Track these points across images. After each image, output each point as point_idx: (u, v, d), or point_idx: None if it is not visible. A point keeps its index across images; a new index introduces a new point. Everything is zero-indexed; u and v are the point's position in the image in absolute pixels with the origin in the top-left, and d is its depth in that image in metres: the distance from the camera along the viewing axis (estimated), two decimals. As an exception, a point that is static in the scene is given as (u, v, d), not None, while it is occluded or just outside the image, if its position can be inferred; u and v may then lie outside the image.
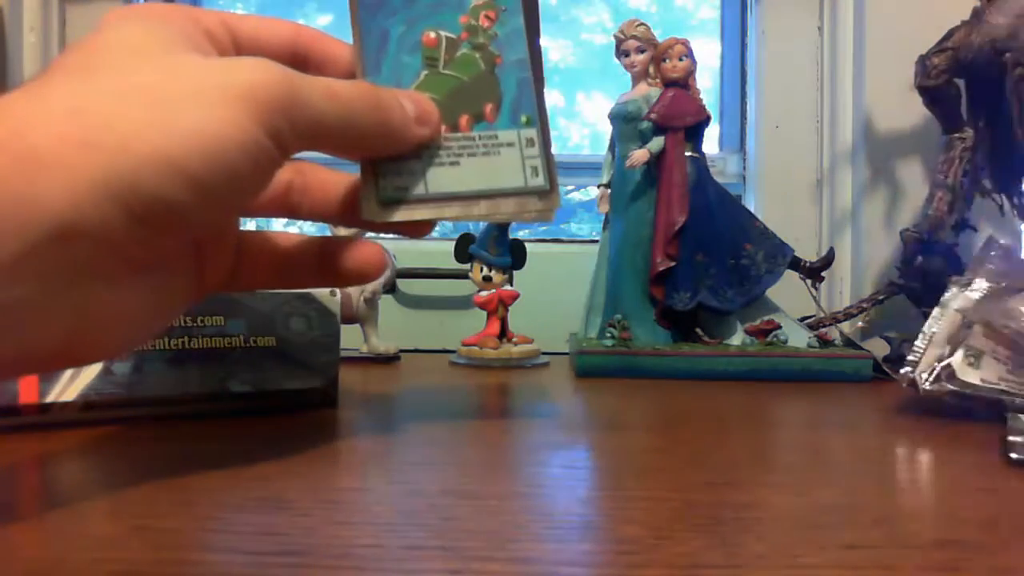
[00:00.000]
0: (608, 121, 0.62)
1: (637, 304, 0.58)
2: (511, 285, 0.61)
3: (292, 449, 0.27)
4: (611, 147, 0.62)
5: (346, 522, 0.19)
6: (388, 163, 0.27)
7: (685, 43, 0.59)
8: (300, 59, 0.27)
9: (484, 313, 0.60)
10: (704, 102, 0.59)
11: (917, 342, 0.38)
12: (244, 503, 0.21)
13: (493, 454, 0.28)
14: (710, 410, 0.39)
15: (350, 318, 0.59)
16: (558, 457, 0.27)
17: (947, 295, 0.39)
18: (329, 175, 0.29)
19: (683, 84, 0.59)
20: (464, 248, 0.61)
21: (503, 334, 0.60)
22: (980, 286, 0.39)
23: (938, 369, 0.37)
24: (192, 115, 0.20)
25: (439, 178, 0.28)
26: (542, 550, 0.18)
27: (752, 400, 0.43)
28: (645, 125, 0.59)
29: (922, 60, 0.59)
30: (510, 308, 0.60)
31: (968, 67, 0.58)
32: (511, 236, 0.61)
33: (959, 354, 0.37)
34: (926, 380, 0.37)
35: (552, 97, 1.05)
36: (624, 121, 0.60)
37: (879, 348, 0.64)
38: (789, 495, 0.23)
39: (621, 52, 0.61)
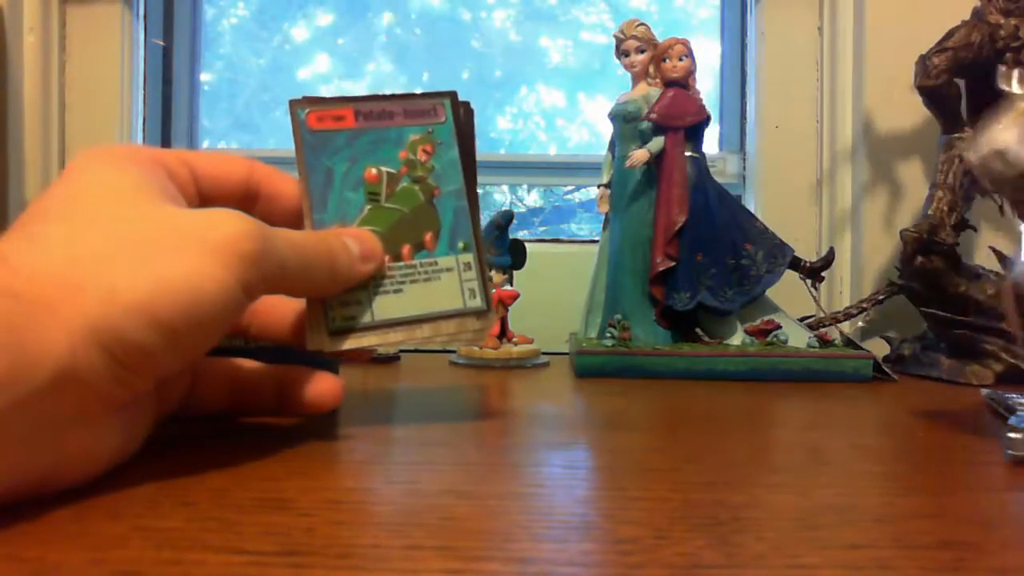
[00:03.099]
0: (608, 121, 0.62)
1: (637, 304, 0.58)
2: (511, 285, 0.61)
3: (292, 449, 0.27)
4: (611, 147, 0.62)
5: (346, 522, 0.19)
6: (337, 295, 0.29)
7: (685, 43, 0.59)
8: (252, 194, 0.29)
9: (484, 313, 0.60)
10: (704, 102, 0.59)
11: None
12: (244, 503, 0.21)
13: (493, 454, 0.28)
14: (710, 410, 0.39)
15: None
16: (558, 457, 0.27)
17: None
18: (278, 300, 0.31)
19: (683, 84, 0.59)
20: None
21: (503, 334, 0.60)
22: None
23: None
24: (175, 268, 0.21)
25: (384, 306, 0.29)
26: (542, 550, 0.18)
27: (752, 400, 0.43)
28: (645, 125, 0.59)
29: (922, 60, 0.59)
30: (510, 308, 0.60)
31: (968, 67, 0.58)
32: (511, 236, 0.61)
33: None
34: None
35: (552, 97, 1.05)
36: (624, 121, 0.60)
37: (879, 348, 0.64)
38: (789, 495, 0.23)
39: (621, 52, 0.61)
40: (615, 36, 0.61)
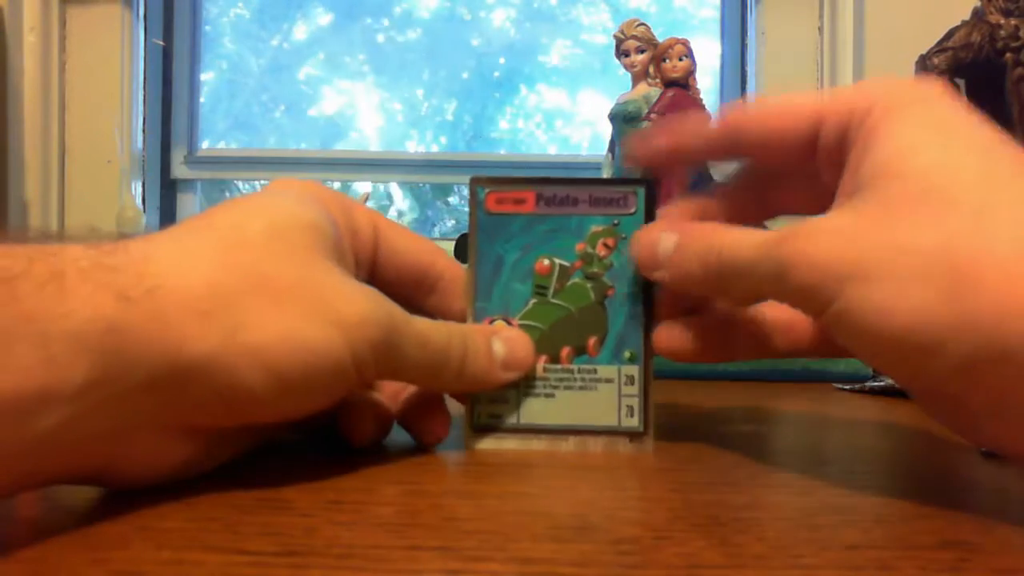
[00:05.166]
0: (608, 121, 0.62)
1: (637, 304, 0.58)
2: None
3: (292, 449, 0.27)
4: (611, 147, 0.62)
5: (347, 522, 0.19)
6: (487, 391, 0.28)
7: (685, 43, 0.59)
8: (431, 283, 0.29)
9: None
10: (704, 102, 0.59)
11: None
12: (245, 503, 0.21)
13: (493, 454, 0.28)
14: (710, 410, 0.39)
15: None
16: (558, 457, 0.27)
17: None
18: None
19: (683, 84, 0.59)
20: (464, 248, 0.61)
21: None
22: None
23: None
24: (302, 327, 0.21)
25: (532, 410, 0.28)
26: (542, 550, 0.18)
27: (752, 400, 0.43)
28: (645, 125, 0.59)
29: (922, 60, 0.59)
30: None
31: (968, 67, 0.58)
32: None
33: None
34: None
35: (552, 97, 1.05)
36: (624, 121, 0.60)
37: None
38: (789, 495, 0.23)
39: (621, 52, 0.61)
40: (615, 36, 0.61)
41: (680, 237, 0.26)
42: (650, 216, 0.28)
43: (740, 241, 0.24)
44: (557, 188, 0.28)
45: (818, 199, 0.24)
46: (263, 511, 0.20)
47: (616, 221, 0.28)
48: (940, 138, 0.21)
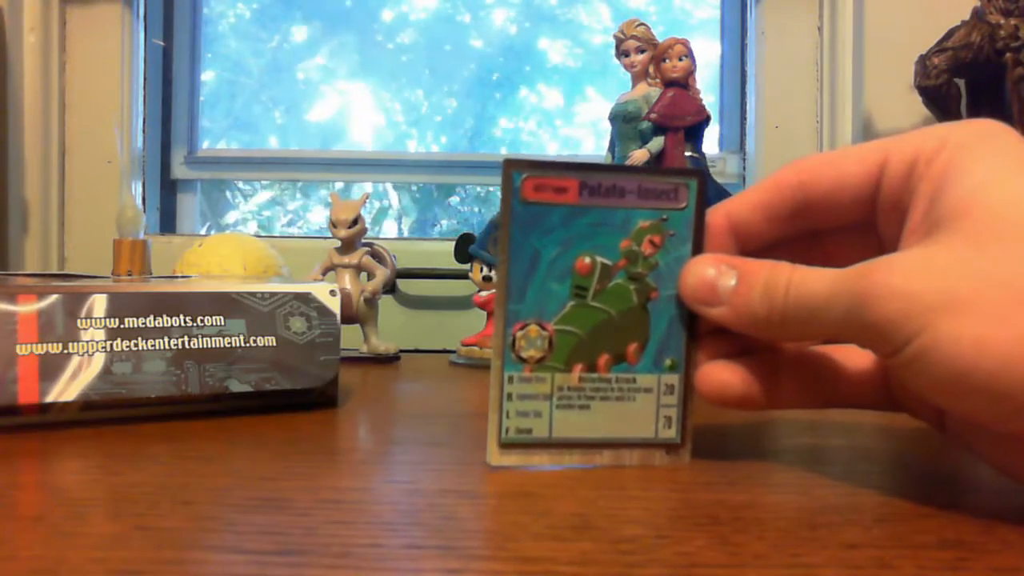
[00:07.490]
0: (608, 121, 0.62)
1: (637, 304, 0.58)
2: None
3: (292, 449, 0.27)
4: (611, 147, 0.62)
5: (346, 522, 0.19)
6: (515, 402, 0.26)
7: (685, 43, 0.59)
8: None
9: (484, 313, 0.60)
10: (704, 102, 0.59)
11: None
12: (244, 503, 0.21)
13: (493, 454, 0.28)
14: (710, 410, 0.39)
15: (350, 318, 0.59)
16: (558, 457, 0.27)
17: None
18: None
19: (683, 84, 0.59)
20: (464, 248, 0.61)
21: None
22: None
23: None
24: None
25: (566, 423, 0.26)
26: (542, 550, 0.18)
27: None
28: (645, 125, 0.59)
29: (922, 60, 0.59)
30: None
31: (968, 67, 0.58)
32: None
33: None
34: None
35: (552, 97, 1.05)
36: (624, 121, 0.60)
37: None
38: (789, 495, 0.23)
39: (621, 52, 0.61)
40: (615, 36, 0.61)
41: (741, 271, 0.24)
42: (701, 212, 0.26)
43: (811, 275, 0.22)
44: (603, 176, 0.25)
45: (867, 252, 0.22)
46: (263, 511, 0.20)
47: (664, 216, 0.25)
48: (1019, 169, 0.20)
